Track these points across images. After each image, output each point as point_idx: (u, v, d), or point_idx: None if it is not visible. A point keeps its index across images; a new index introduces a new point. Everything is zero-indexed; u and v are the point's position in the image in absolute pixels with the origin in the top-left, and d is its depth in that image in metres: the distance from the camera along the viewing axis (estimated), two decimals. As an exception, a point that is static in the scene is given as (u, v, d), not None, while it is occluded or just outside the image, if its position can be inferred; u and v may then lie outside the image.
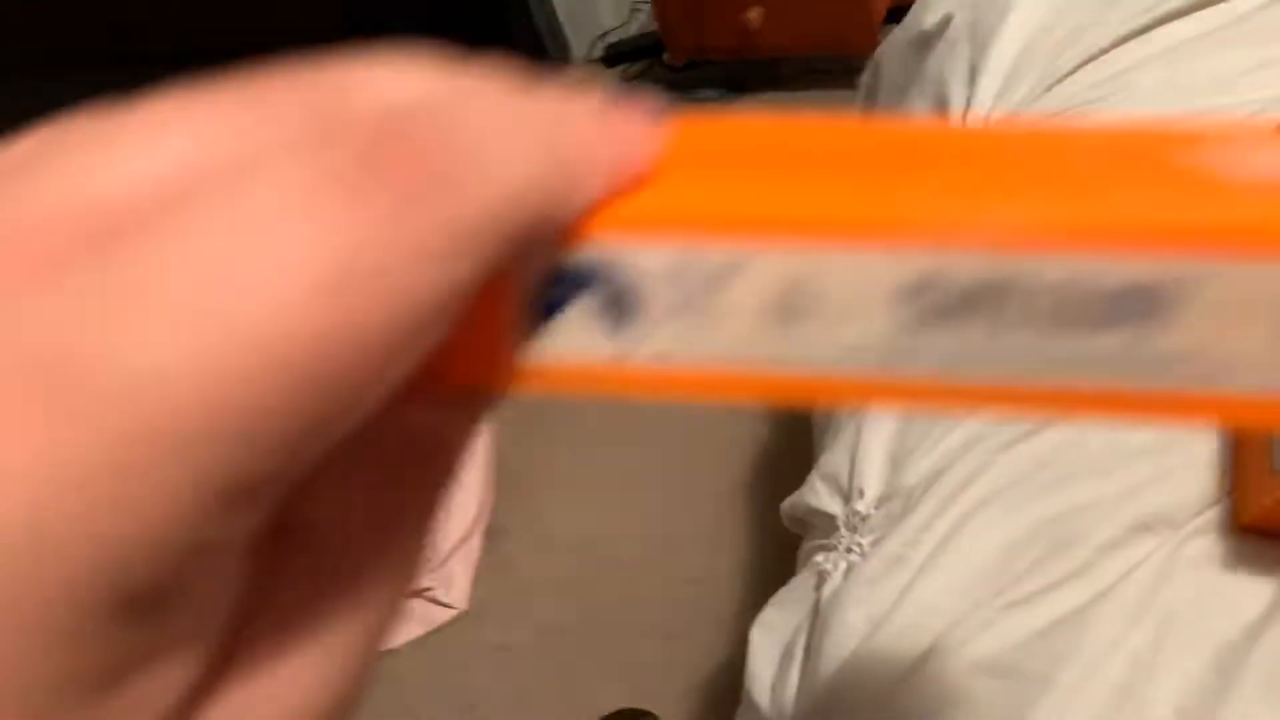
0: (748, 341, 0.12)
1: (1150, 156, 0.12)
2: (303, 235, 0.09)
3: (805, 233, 0.12)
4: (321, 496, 0.12)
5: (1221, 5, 0.51)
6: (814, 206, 0.12)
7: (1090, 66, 0.53)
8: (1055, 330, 0.11)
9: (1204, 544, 0.40)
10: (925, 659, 0.42)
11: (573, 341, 0.13)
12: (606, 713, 0.49)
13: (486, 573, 1.18)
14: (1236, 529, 0.40)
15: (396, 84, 0.11)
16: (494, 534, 1.22)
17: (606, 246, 0.12)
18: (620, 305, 0.13)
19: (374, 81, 0.11)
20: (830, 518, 0.54)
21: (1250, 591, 0.38)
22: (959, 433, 0.48)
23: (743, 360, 0.13)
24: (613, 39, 1.84)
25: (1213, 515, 0.40)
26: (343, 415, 0.09)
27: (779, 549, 1.10)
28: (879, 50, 0.72)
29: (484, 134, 0.10)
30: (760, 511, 1.13)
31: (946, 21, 0.62)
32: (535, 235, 0.11)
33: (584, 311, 0.13)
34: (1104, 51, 0.53)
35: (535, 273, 0.12)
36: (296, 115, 0.10)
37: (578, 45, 1.90)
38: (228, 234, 0.09)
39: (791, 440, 1.18)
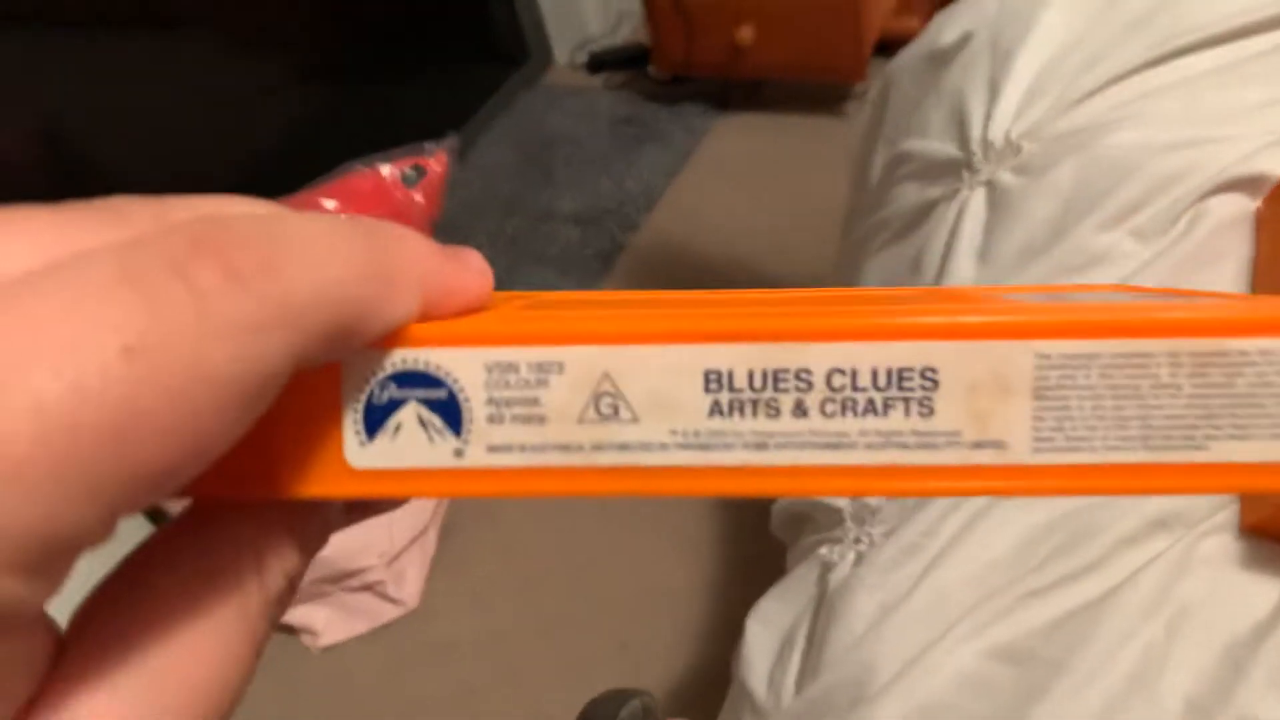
0: (573, 439, 0.14)
1: (931, 296, 0.14)
2: (95, 318, 0.10)
3: (612, 337, 0.14)
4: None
5: (1237, 43, 0.53)
6: (617, 320, 0.14)
7: (1110, 90, 0.55)
8: (840, 416, 0.14)
9: (1218, 543, 0.41)
10: (938, 644, 0.42)
11: (408, 447, 0.14)
12: (600, 693, 0.48)
13: (438, 571, 1.15)
14: (1243, 531, 0.41)
15: (221, 205, 0.13)
16: (448, 532, 1.19)
17: (433, 356, 0.14)
18: (449, 411, 0.14)
19: (201, 204, 0.13)
20: (835, 511, 0.54)
21: (1260, 591, 0.40)
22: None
23: (571, 456, 0.14)
24: (596, 47, 1.85)
25: (1227, 516, 0.42)
26: (153, 482, 0.10)
27: (743, 564, 1.11)
28: (891, 65, 0.73)
29: (299, 237, 0.12)
30: (726, 526, 1.13)
31: (966, 38, 0.64)
32: (345, 332, 0.12)
33: (415, 417, 0.14)
34: (1123, 76, 0.55)
35: (366, 380, 0.14)
36: (116, 227, 0.12)
37: (560, 49, 1.90)
38: (34, 320, 0.10)
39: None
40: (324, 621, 1.11)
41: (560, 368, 0.14)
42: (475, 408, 0.14)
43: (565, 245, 1.50)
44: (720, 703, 0.58)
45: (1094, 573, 0.42)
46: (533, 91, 1.85)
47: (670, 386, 0.14)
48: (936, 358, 0.13)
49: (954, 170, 0.60)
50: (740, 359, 0.14)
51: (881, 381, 0.14)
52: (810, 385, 0.14)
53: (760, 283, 1.40)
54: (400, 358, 0.14)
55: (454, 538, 1.18)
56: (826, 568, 0.51)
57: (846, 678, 0.44)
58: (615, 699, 0.44)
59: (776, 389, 0.14)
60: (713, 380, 0.14)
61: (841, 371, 0.14)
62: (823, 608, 0.49)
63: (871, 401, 0.14)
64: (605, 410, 0.14)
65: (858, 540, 0.50)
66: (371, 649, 1.10)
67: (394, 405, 0.14)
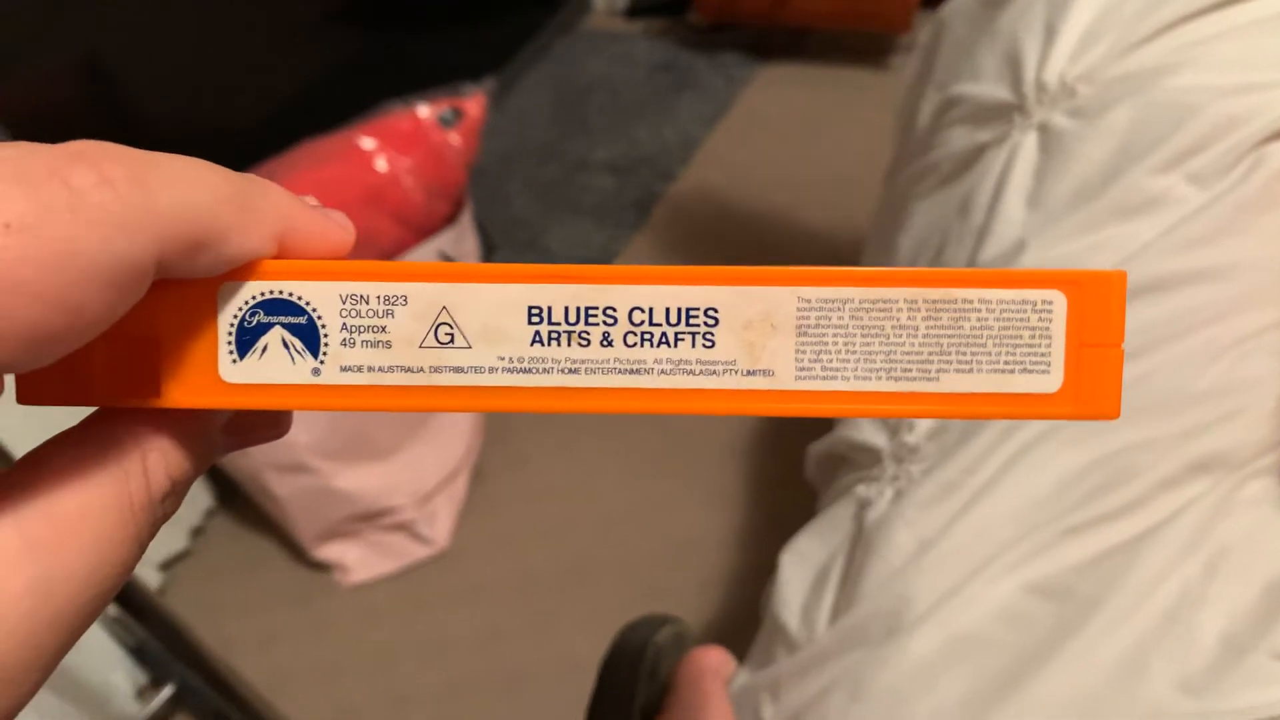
0: (415, 361, 0.16)
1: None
2: None
3: (450, 275, 0.16)
4: None
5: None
6: (455, 265, 0.16)
7: (1170, 34, 0.53)
8: (639, 347, 0.16)
9: (1261, 486, 0.41)
10: (975, 578, 0.42)
11: (272, 365, 0.16)
12: (636, 618, 0.49)
13: (468, 514, 1.17)
14: (1290, 476, 0.41)
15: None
16: (478, 476, 1.21)
17: (295, 287, 0.16)
18: (308, 335, 0.16)
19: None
20: (874, 451, 0.54)
21: (1304, 533, 0.39)
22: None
23: (413, 377, 0.16)
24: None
25: (1272, 459, 0.41)
26: (32, 341, 0.12)
27: (770, 514, 1.11)
28: (943, 9, 0.72)
29: (169, 164, 0.14)
30: (753, 477, 1.13)
31: (1023, -19, 0.62)
32: (200, 245, 0.14)
33: (280, 340, 0.16)
34: (1184, 20, 0.53)
35: (239, 307, 0.16)
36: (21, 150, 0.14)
37: (600, -3, 1.88)
38: None
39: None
40: (355, 559, 1.13)
41: (405, 300, 0.16)
42: (331, 333, 0.16)
43: (601, 194, 1.50)
44: (746, 649, 0.59)
45: (1134, 512, 0.42)
46: (570, 36, 1.83)
47: (499, 319, 0.16)
48: (718, 299, 0.16)
49: (1005, 114, 0.59)
50: (558, 297, 0.16)
51: (673, 318, 0.16)
52: (615, 320, 0.16)
53: (798, 234, 1.39)
54: (268, 288, 0.16)
55: (484, 482, 1.20)
56: (863, 505, 0.52)
57: (882, 608, 0.45)
58: (650, 623, 0.45)
59: (587, 323, 0.16)
60: (535, 314, 0.16)
61: (641, 309, 0.16)
62: (859, 543, 0.50)
63: (665, 335, 0.16)
64: (443, 338, 0.16)
65: (895, 478, 0.50)
66: (401, 588, 1.12)
67: (262, 329, 0.16)
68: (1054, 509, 0.43)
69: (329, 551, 1.13)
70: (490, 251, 1.21)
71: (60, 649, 0.14)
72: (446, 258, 1.10)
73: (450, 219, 1.13)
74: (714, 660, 0.44)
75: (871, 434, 0.55)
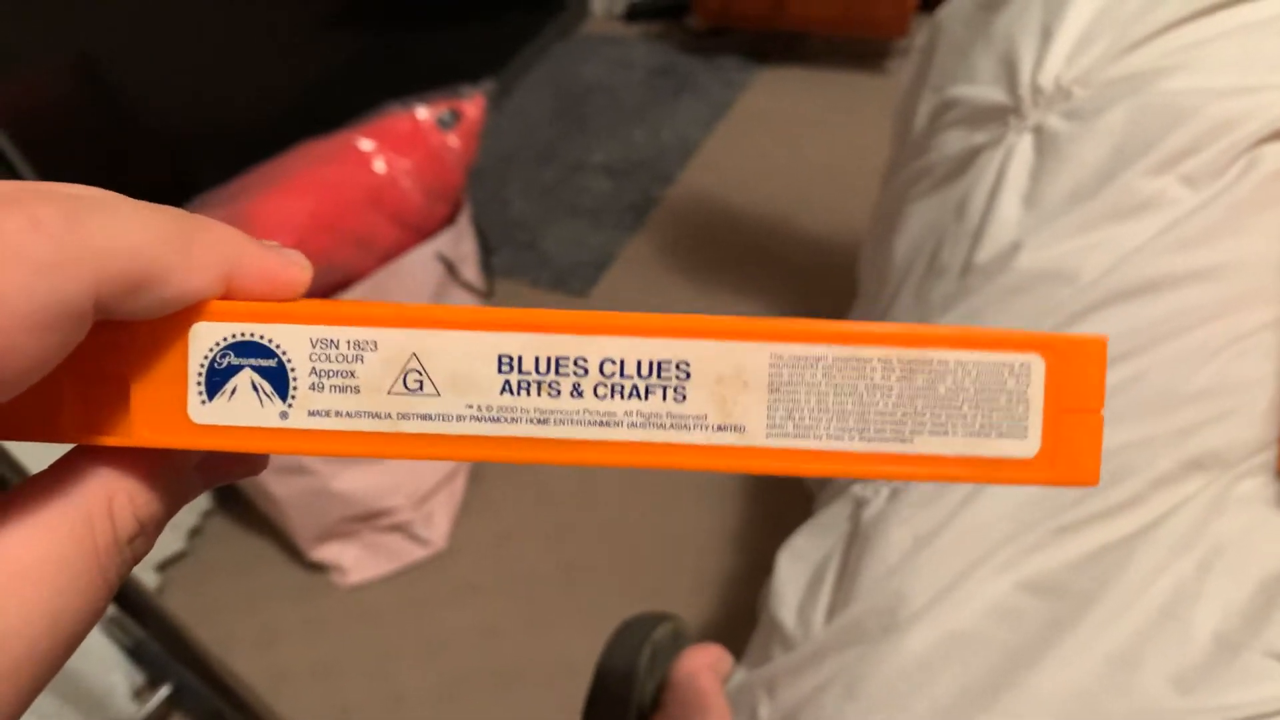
0: (383, 408, 0.16)
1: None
2: None
3: (420, 321, 0.16)
4: None
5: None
6: (425, 308, 0.16)
7: (1165, 36, 0.54)
8: (609, 399, 0.16)
9: (1256, 484, 0.41)
10: (970, 575, 0.43)
11: (241, 407, 0.16)
12: (633, 615, 0.49)
13: (466, 515, 1.17)
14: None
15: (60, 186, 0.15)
16: (476, 477, 1.21)
17: (265, 330, 0.16)
18: (277, 378, 0.16)
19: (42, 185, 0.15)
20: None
21: (1298, 531, 0.40)
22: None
23: (380, 423, 0.16)
24: (635, -2, 1.83)
25: (1267, 458, 0.42)
26: None
27: (767, 517, 1.12)
28: (940, 12, 0.72)
29: (105, 204, 0.14)
30: (751, 480, 1.13)
31: (1019, -16, 0.62)
32: (138, 285, 0.14)
33: (249, 382, 0.16)
34: (1180, 23, 0.54)
35: (209, 348, 0.16)
36: None
37: None
38: None
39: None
40: (352, 559, 1.13)
41: (375, 345, 0.16)
42: (300, 376, 0.16)
43: (598, 196, 1.50)
44: (743, 648, 0.59)
45: (1128, 511, 0.42)
46: (569, 40, 1.84)
47: (468, 367, 0.16)
48: (690, 353, 0.16)
49: (1001, 116, 0.59)
50: (529, 346, 0.16)
51: (645, 371, 0.16)
52: (586, 371, 0.16)
53: (795, 237, 1.40)
54: (238, 330, 0.16)
55: (482, 482, 1.20)
56: (860, 504, 0.52)
57: (878, 606, 0.45)
58: (648, 621, 0.45)
59: (558, 373, 0.16)
60: (505, 363, 0.16)
61: (612, 360, 0.16)
62: (856, 541, 0.50)
63: (636, 387, 0.16)
64: (411, 385, 0.16)
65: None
66: (398, 588, 1.12)
67: (232, 371, 0.16)
68: (1048, 506, 0.43)
69: (327, 552, 1.13)
70: (488, 253, 1.21)
71: (20, 696, 0.14)
72: (445, 259, 1.10)
73: (449, 220, 1.13)
74: (711, 657, 0.44)
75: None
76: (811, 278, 1.33)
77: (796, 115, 1.58)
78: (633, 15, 1.80)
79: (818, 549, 0.53)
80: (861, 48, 1.59)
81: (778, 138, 1.56)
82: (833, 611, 0.49)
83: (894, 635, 0.43)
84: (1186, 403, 0.43)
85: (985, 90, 0.62)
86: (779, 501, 1.10)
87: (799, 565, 0.54)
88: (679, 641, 0.48)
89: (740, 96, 1.62)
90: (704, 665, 0.43)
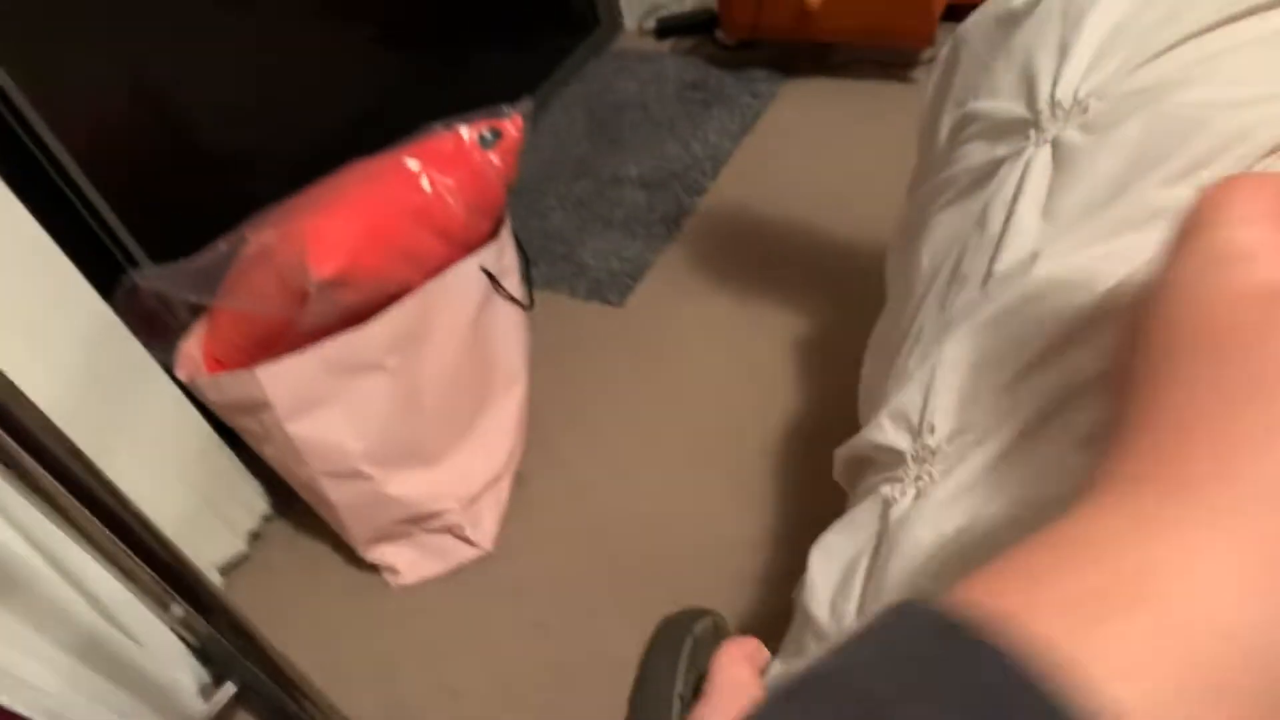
0: None
1: None
2: None
3: None
4: None
5: (1315, 0, 0.53)
6: None
7: (1181, 48, 0.56)
8: None
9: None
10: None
11: None
12: (674, 611, 0.52)
13: (512, 517, 1.21)
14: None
15: None
16: (520, 480, 1.25)
17: None
18: None
19: None
20: (897, 453, 0.56)
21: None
22: (1034, 375, 0.51)
23: None
24: (666, 12, 1.86)
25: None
26: None
27: (808, 515, 1.14)
28: (962, 26, 0.74)
29: None
30: (788, 480, 1.16)
31: (1037, 0, 0.65)
32: None
33: None
34: (1195, 35, 0.55)
35: None
36: None
37: (630, 15, 1.92)
38: None
39: (819, 414, 1.22)
40: (405, 561, 1.18)
41: None
42: None
43: (632, 208, 1.54)
44: (780, 644, 0.62)
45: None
46: (602, 57, 1.88)
47: None
48: None
49: (1021, 129, 0.62)
50: None
51: None
52: None
53: (823, 244, 1.42)
54: None
55: (527, 485, 1.24)
56: (888, 504, 0.54)
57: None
58: (689, 616, 0.48)
59: None
60: None
61: None
62: (884, 540, 0.52)
63: None
64: None
65: (918, 478, 0.53)
66: (449, 587, 1.16)
67: None
68: (1066, 506, 0.45)
69: (380, 554, 1.18)
70: (529, 265, 1.26)
71: None
72: (487, 272, 1.14)
73: (491, 235, 1.17)
74: (749, 649, 0.46)
75: (895, 436, 0.57)
76: (841, 283, 1.36)
77: (824, 124, 1.60)
78: (663, 32, 1.84)
79: (848, 546, 0.56)
80: (887, 58, 1.61)
81: (806, 147, 1.58)
82: (863, 607, 0.52)
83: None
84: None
85: (1005, 104, 0.64)
86: (814, 500, 1.12)
87: (831, 561, 0.56)
88: (718, 635, 0.51)
89: (769, 107, 1.65)
90: (742, 656, 0.46)
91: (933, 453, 0.54)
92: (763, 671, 0.48)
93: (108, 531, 0.61)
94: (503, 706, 1.04)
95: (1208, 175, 0.51)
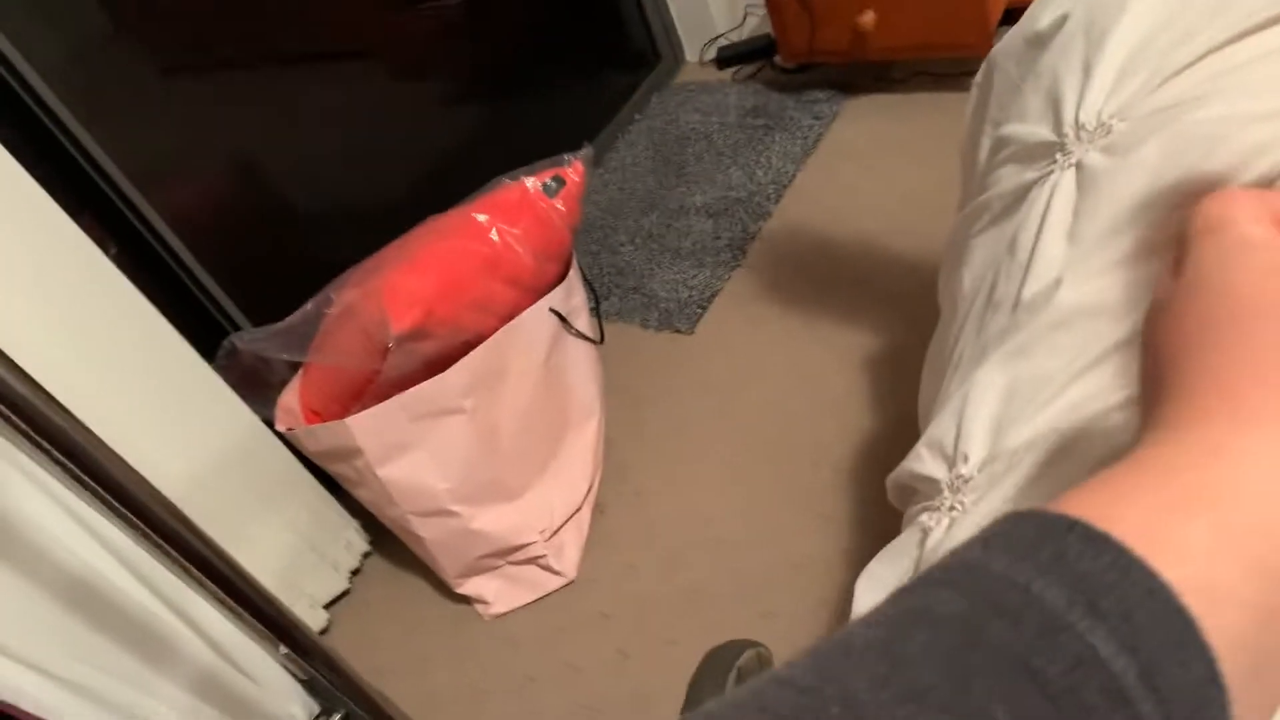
0: None
1: None
2: None
3: None
4: None
5: (1330, 10, 0.53)
6: None
7: (1199, 65, 0.55)
8: None
9: None
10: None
11: None
12: (721, 644, 0.54)
13: (593, 546, 1.25)
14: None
15: None
16: (599, 510, 1.29)
17: None
18: None
19: None
20: (934, 482, 0.58)
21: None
22: (1059, 402, 0.52)
23: None
24: (725, 41, 1.89)
25: None
26: None
27: (882, 534, 1.14)
28: (994, 50, 0.75)
29: None
30: (863, 499, 1.16)
31: (1062, 20, 0.65)
32: None
33: None
34: (1213, 51, 0.55)
35: None
36: None
37: (690, 48, 1.96)
38: None
39: (892, 433, 1.21)
40: (494, 592, 1.24)
41: None
42: None
43: (699, 237, 1.57)
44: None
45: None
46: (665, 91, 1.92)
47: None
48: None
49: (1049, 153, 0.62)
50: None
51: None
52: None
53: (890, 262, 1.42)
54: None
55: (607, 514, 1.28)
56: (925, 533, 0.56)
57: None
58: (733, 648, 0.51)
59: None
60: None
61: None
62: (919, 569, 0.54)
63: None
64: None
65: (952, 508, 0.54)
66: (536, 616, 1.21)
67: None
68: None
69: (471, 586, 1.24)
70: (598, 302, 1.30)
71: None
72: (557, 313, 1.19)
73: (560, 277, 1.22)
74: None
75: (932, 466, 0.59)
76: (908, 300, 1.35)
77: (886, 141, 1.60)
78: (724, 61, 1.87)
79: (891, 574, 0.58)
80: (946, 67, 1.60)
81: (868, 165, 1.58)
82: (904, 634, 0.53)
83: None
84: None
85: (1033, 128, 0.65)
86: (891, 520, 1.11)
87: (874, 589, 0.58)
88: (763, 667, 0.53)
89: (831, 128, 1.66)
90: None
91: (966, 481, 0.55)
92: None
93: (214, 585, 0.68)
94: (590, 732, 1.07)
95: (1228, 193, 0.51)
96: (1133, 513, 0.21)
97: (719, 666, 0.49)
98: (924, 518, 0.57)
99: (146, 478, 1.01)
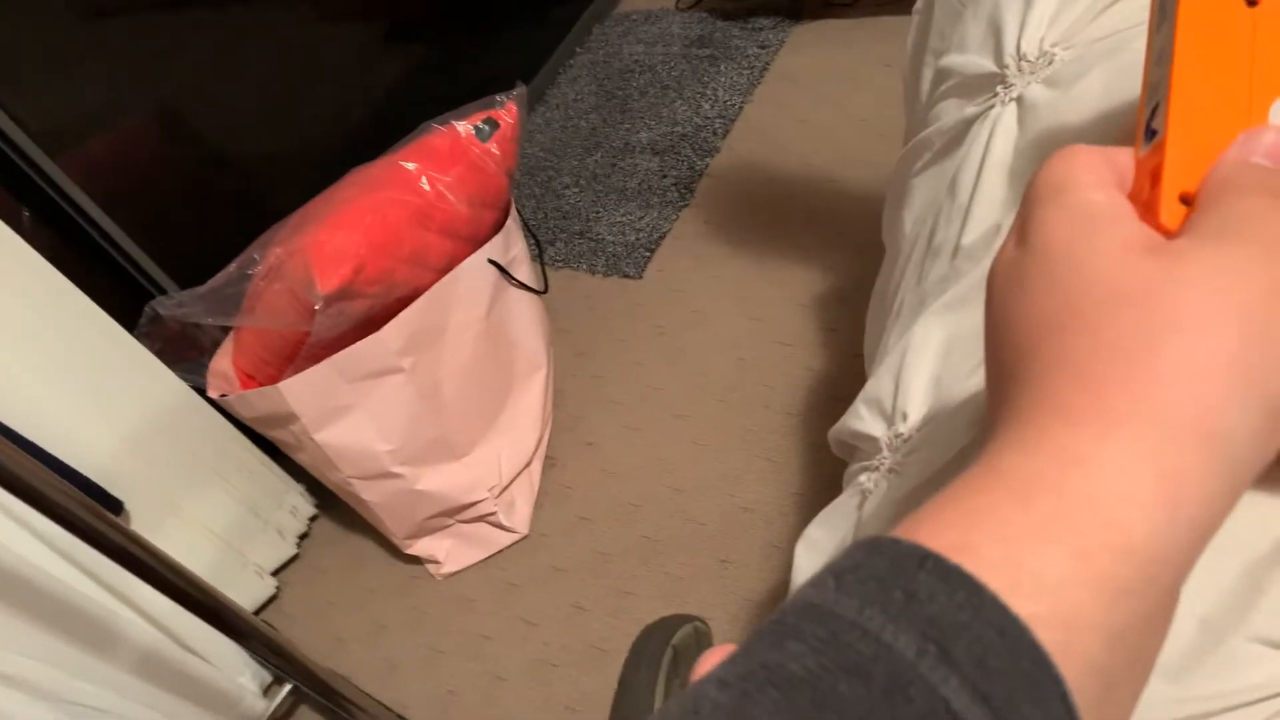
0: None
1: None
2: None
3: None
4: None
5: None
6: None
7: (1146, -13, 0.52)
8: None
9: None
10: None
11: None
12: (654, 620, 0.52)
13: (545, 501, 1.23)
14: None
15: None
16: (550, 464, 1.26)
17: None
18: None
19: None
20: (874, 440, 0.55)
21: (1281, 508, 0.39)
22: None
23: None
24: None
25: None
26: None
27: (832, 479, 1.13)
28: (935, -26, 0.70)
29: None
30: (812, 443, 1.15)
31: (1003, -56, 0.61)
32: None
33: None
34: (1161, -29, 0.51)
35: None
36: None
37: (634, -27, 1.88)
38: None
39: (843, 373, 1.19)
40: (445, 552, 1.21)
41: None
42: None
43: (645, 177, 1.52)
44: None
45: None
46: (607, 21, 1.84)
47: None
48: None
49: (989, 86, 0.58)
50: None
51: None
52: None
53: (841, 196, 1.38)
54: None
55: (558, 467, 1.25)
56: (864, 495, 0.53)
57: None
58: (668, 625, 0.49)
59: None
60: None
61: None
62: (857, 534, 0.52)
63: None
64: None
65: (891, 470, 0.52)
66: (488, 574, 1.19)
67: None
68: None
69: (421, 547, 1.22)
70: (540, 250, 1.25)
71: None
72: (495, 263, 1.15)
73: (498, 225, 1.17)
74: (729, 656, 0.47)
75: (871, 424, 0.56)
76: (860, 236, 1.32)
77: (835, 69, 1.55)
78: (667, -17, 1.79)
79: (830, 539, 0.55)
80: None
81: (818, 94, 1.53)
82: (843, 601, 0.51)
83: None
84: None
85: (975, 59, 0.61)
86: (839, 467, 1.10)
87: (813, 555, 0.56)
88: (700, 643, 0.51)
89: (777, 56, 1.60)
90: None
91: (905, 440, 0.52)
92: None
93: (138, 576, 0.64)
94: (546, 690, 1.06)
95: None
96: (988, 542, 0.20)
97: (654, 646, 0.47)
98: (863, 478, 0.55)
99: (62, 461, 0.97)
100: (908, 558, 0.20)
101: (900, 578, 0.19)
